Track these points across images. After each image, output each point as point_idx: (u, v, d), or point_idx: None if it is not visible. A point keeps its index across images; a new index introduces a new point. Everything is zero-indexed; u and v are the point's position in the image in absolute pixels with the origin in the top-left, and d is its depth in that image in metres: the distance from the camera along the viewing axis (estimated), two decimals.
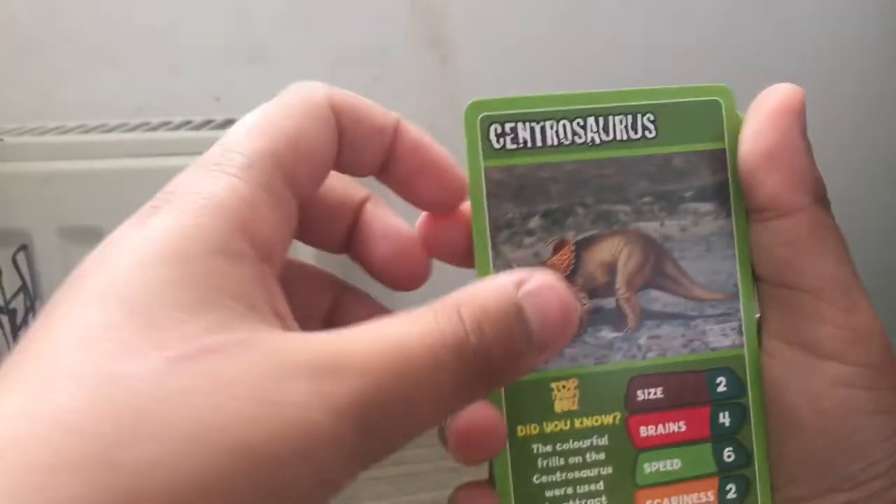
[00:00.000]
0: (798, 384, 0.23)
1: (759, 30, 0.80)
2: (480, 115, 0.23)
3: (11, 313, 0.68)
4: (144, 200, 0.19)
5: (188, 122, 0.73)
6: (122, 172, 0.67)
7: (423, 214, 0.24)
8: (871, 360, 0.23)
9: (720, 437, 0.24)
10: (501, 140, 0.23)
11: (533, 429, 0.24)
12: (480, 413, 0.23)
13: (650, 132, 0.24)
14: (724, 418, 0.24)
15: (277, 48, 0.78)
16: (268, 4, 0.77)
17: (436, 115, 0.81)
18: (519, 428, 0.24)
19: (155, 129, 0.71)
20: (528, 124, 0.23)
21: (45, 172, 0.67)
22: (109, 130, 0.71)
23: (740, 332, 0.24)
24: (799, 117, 0.23)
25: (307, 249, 0.25)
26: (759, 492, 0.24)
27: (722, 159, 0.24)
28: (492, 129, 0.23)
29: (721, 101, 0.24)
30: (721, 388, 0.24)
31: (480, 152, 0.23)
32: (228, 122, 0.72)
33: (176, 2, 0.77)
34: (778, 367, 0.24)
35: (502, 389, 0.24)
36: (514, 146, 0.23)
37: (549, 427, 0.24)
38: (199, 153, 0.19)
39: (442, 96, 0.80)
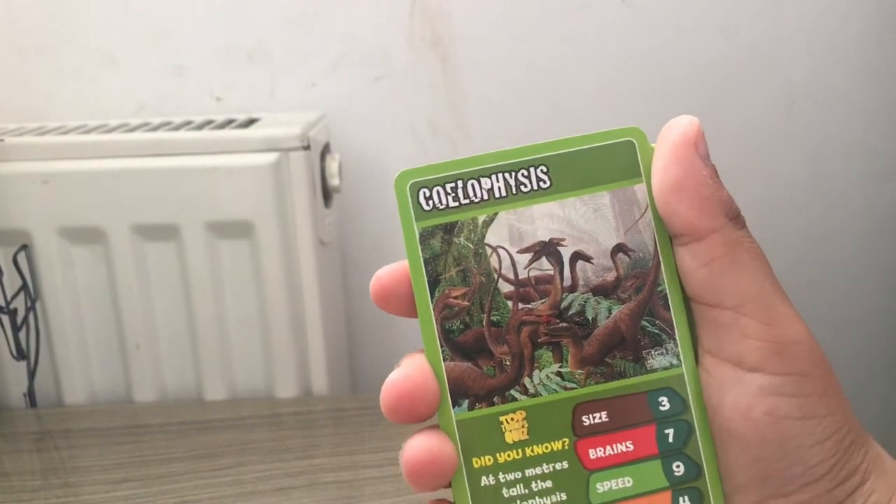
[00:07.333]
0: (731, 396, 0.24)
1: (758, 32, 0.80)
2: (409, 183, 0.25)
3: (12, 313, 0.69)
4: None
5: (188, 122, 0.73)
6: (122, 172, 0.67)
7: (375, 274, 0.26)
8: (795, 368, 0.24)
9: (668, 453, 0.25)
10: (430, 202, 0.25)
11: (487, 460, 0.25)
12: (430, 444, 0.25)
13: (544, 183, 0.25)
14: (670, 435, 0.25)
15: (277, 48, 0.78)
16: (268, 4, 0.77)
17: (436, 115, 0.82)
18: (474, 460, 0.25)
19: (155, 129, 0.71)
20: (447, 186, 0.25)
21: (45, 172, 0.67)
22: (109, 130, 0.71)
23: (676, 352, 0.26)
24: (697, 147, 0.24)
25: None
26: (711, 502, 0.25)
27: (641, 194, 0.26)
28: (420, 193, 0.25)
29: (634, 141, 0.26)
30: (663, 407, 0.26)
31: (413, 215, 0.25)
32: (228, 122, 0.72)
33: (176, 2, 0.77)
34: (713, 381, 0.25)
35: (454, 425, 0.25)
36: (442, 206, 0.25)
37: (503, 457, 0.25)
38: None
39: (442, 96, 0.80)
